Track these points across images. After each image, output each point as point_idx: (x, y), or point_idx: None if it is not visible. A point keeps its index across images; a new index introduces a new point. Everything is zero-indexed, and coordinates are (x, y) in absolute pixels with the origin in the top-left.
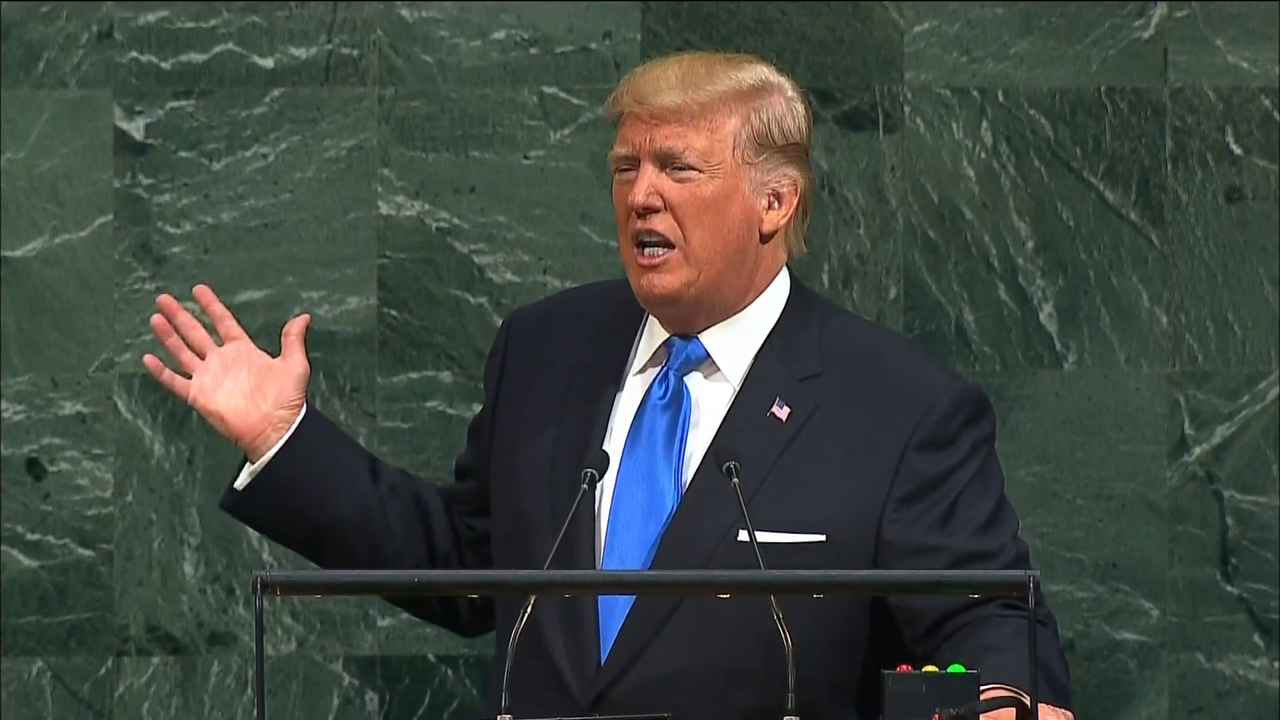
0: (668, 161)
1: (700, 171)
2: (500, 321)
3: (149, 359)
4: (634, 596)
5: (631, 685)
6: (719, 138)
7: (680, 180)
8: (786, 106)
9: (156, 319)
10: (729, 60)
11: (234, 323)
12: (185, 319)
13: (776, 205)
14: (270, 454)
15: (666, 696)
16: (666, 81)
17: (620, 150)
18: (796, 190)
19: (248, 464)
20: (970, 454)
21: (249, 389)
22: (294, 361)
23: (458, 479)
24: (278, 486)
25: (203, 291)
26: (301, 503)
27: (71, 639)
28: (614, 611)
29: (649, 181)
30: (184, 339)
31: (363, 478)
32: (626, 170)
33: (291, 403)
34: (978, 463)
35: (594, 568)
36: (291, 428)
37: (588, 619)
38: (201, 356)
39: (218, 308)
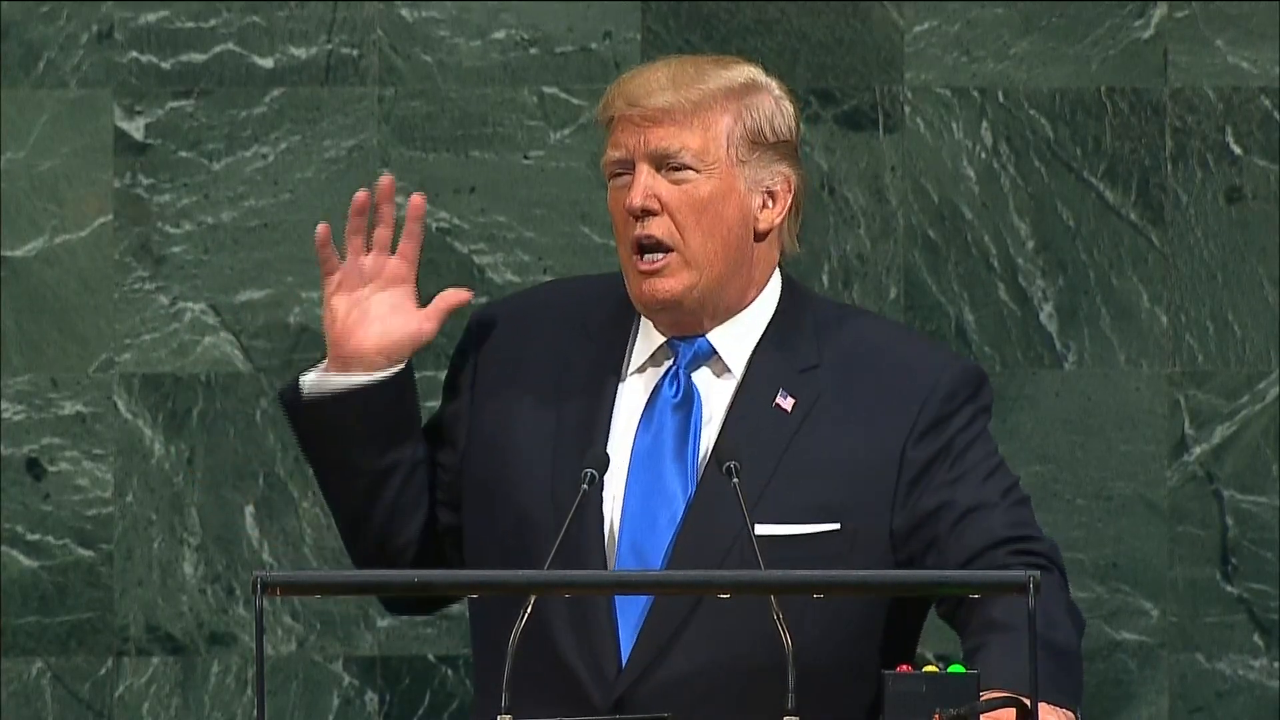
0: (663, 162)
1: (696, 171)
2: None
3: (322, 226)
4: (651, 598)
5: (654, 686)
6: (713, 136)
7: (676, 181)
8: (776, 104)
9: (361, 193)
10: (717, 60)
11: (416, 247)
12: (386, 212)
13: (771, 204)
14: (366, 379)
15: (689, 697)
16: (657, 83)
17: (614, 154)
18: (790, 187)
19: (328, 372)
20: (970, 421)
21: (381, 311)
22: (425, 326)
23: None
24: (357, 413)
25: (417, 204)
26: (361, 439)
27: (71, 639)
28: (630, 613)
29: (645, 184)
30: (373, 225)
31: (418, 445)
32: (621, 175)
33: (394, 358)
34: (977, 429)
35: (606, 568)
36: (393, 370)
37: (603, 621)
38: (367, 252)
39: (416, 226)
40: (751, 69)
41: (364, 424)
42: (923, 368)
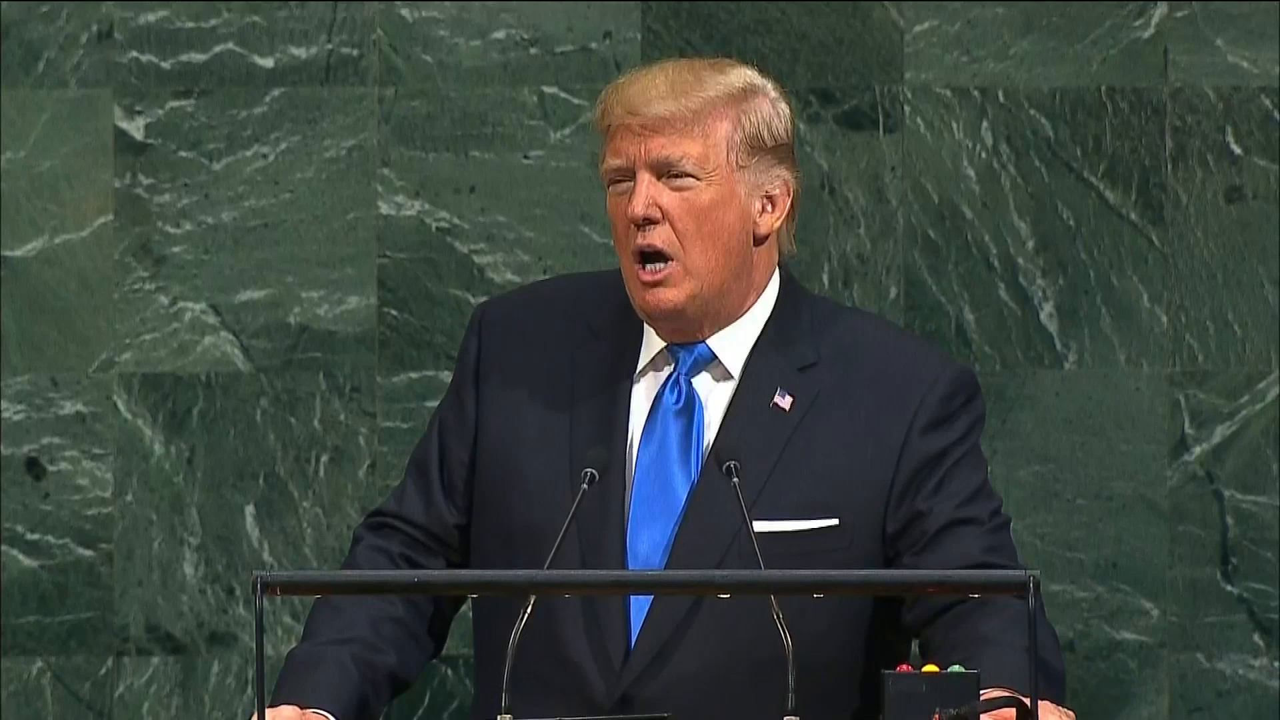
0: (664, 170)
1: (697, 179)
2: None
3: None
4: (654, 596)
5: (660, 680)
6: (713, 143)
7: (677, 189)
8: (773, 108)
9: None
10: (713, 65)
11: None
12: None
13: (770, 208)
14: None
15: (694, 691)
16: (656, 90)
17: (614, 162)
18: (789, 191)
19: None
20: (967, 433)
21: None
22: None
23: (432, 513)
24: None
25: None
26: None
27: (71, 639)
28: (640, 611)
29: (646, 192)
30: None
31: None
32: (621, 182)
33: None
34: (972, 442)
35: (622, 569)
36: None
37: (616, 620)
38: None
39: None
40: (748, 72)
41: None
42: (921, 366)
